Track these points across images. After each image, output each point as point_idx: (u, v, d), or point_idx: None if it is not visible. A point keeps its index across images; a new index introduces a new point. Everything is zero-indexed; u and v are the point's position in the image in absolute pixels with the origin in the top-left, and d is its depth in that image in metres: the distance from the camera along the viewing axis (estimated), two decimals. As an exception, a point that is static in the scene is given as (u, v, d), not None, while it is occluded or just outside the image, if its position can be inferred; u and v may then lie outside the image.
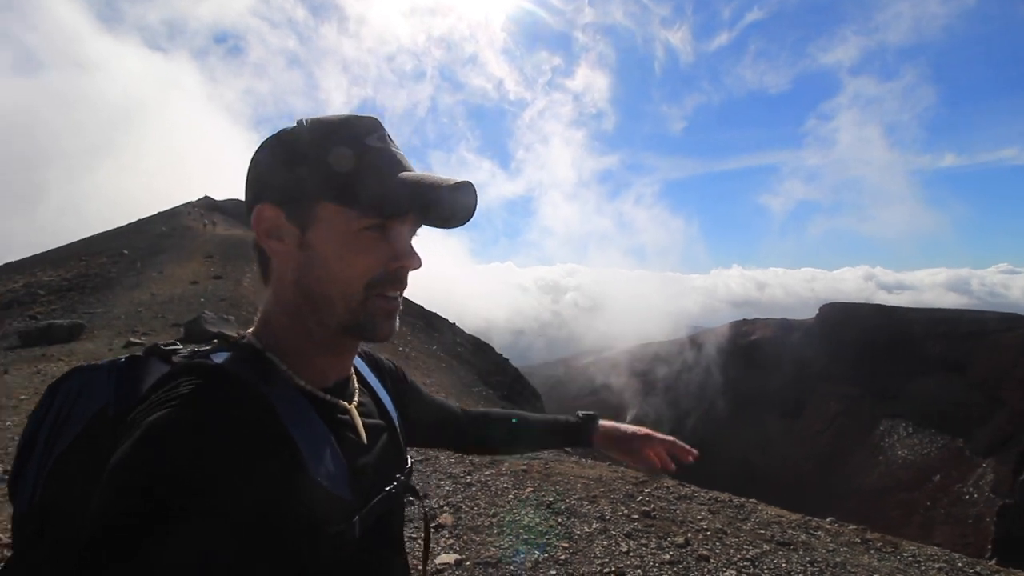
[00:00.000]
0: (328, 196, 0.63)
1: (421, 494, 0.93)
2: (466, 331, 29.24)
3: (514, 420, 1.13)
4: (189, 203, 32.84)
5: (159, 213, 29.86)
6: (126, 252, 19.25)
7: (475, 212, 0.69)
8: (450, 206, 0.67)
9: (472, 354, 26.18)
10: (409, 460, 0.82)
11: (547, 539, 3.65)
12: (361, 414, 0.74)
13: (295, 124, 0.66)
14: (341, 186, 0.62)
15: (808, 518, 4.48)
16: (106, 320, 11.29)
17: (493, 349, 29.04)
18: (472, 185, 0.67)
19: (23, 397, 6.65)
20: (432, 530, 3.72)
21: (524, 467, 5.01)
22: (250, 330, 0.70)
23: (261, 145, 0.67)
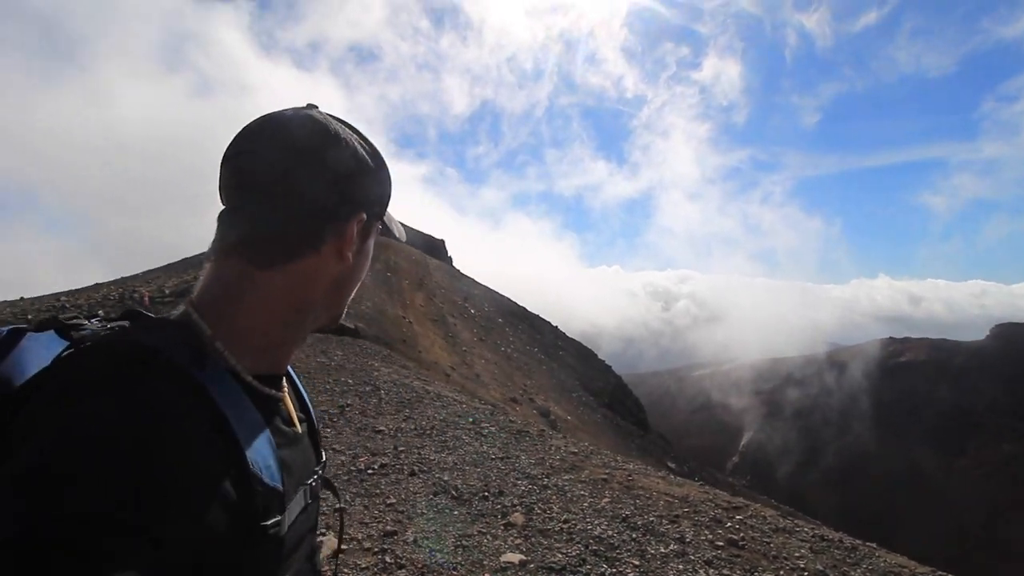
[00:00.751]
0: (382, 214, 0.74)
1: (339, 489, 0.92)
2: (569, 335, 29.15)
3: None
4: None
5: (300, 217, 33.60)
6: (272, 251, 22.04)
7: None
8: None
9: (574, 358, 26.00)
10: (323, 455, 0.81)
11: (617, 554, 3.49)
12: None
13: (323, 120, 0.67)
14: (386, 203, 0.74)
15: (941, 573, 3.78)
16: (251, 309, 13.03)
17: (595, 355, 28.59)
18: None
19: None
20: (501, 528, 3.75)
21: (605, 476, 4.85)
22: (180, 309, 0.64)
23: (323, 140, 0.65)
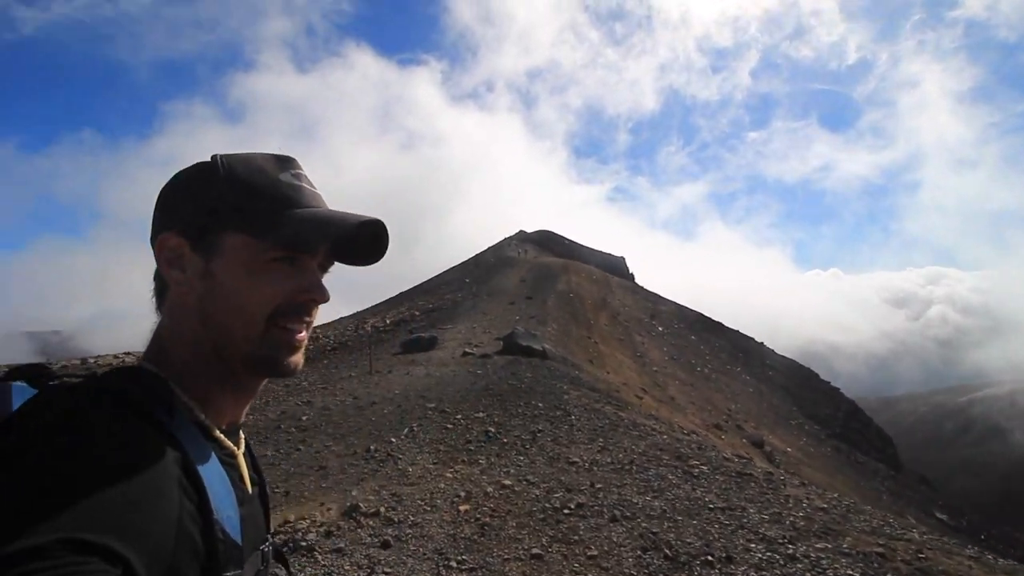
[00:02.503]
0: (236, 227, 0.63)
1: (289, 562, 0.81)
2: (780, 352, 25.29)
3: None
4: (508, 237, 38.75)
5: (489, 247, 36.18)
6: (467, 281, 23.90)
7: (386, 251, 0.72)
8: (358, 243, 0.70)
9: (787, 378, 22.41)
10: (271, 525, 0.79)
11: None
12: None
13: (209, 159, 0.67)
14: (250, 218, 0.64)
15: None
16: (452, 335, 14.03)
17: (817, 375, 24.26)
18: (382, 223, 0.69)
19: (397, 391, 8.67)
20: (738, 612, 2.88)
21: (880, 550, 3.55)
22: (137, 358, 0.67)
23: (173, 176, 0.68)
